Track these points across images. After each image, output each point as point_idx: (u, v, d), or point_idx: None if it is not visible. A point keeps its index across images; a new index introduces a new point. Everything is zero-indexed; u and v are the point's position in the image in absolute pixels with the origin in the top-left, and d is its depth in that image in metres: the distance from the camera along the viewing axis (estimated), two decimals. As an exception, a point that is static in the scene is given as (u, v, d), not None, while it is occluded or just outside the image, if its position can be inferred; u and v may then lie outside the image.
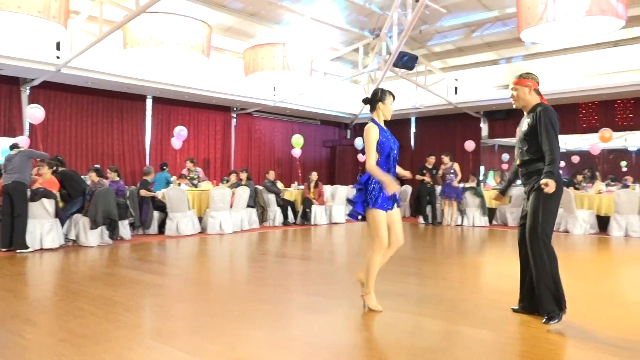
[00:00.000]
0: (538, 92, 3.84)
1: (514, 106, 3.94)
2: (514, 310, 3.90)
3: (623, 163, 20.82)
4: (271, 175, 11.07)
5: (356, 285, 4.21)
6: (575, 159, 17.41)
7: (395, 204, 3.92)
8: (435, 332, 3.43)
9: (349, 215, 4.01)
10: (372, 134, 3.76)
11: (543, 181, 3.47)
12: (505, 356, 3.00)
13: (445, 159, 11.12)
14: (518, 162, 3.84)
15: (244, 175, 10.41)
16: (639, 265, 6.54)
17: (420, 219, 11.70)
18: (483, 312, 4.00)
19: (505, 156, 15.71)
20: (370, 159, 3.74)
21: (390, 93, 3.96)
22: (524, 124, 3.83)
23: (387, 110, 3.92)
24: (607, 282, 5.35)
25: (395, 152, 3.89)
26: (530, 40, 8.83)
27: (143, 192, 8.78)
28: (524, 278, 3.84)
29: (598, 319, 3.74)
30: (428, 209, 11.58)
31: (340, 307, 4.13)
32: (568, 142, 18.63)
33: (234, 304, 4.19)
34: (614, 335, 3.35)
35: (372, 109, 3.94)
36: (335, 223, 11.39)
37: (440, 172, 11.23)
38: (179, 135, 11.07)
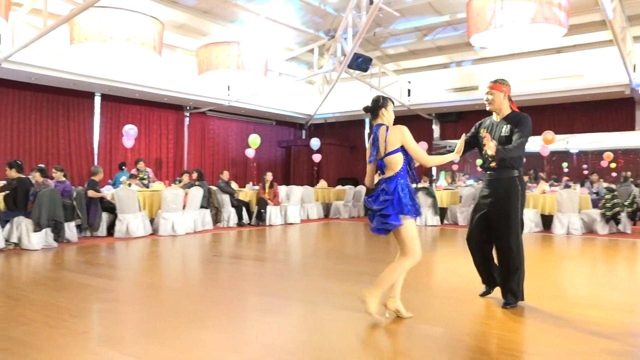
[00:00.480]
0: (510, 99, 4.06)
1: (487, 108, 4.12)
2: (482, 295, 4.26)
3: (565, 164, 21.84)
4: (225, 175, 10.93)
5: (311, 285, 4.21)
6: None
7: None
8: (388, 330, 3.48)
9: (377, 230, 3.64)
10: (408, 132, 3.58)
11: (493, 144, 3.71)
12: (456, 351, 3.08)
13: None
14: (494, 164, 3.99)
15: (195, 175, 10.21)
16: (580, 261, 6.88)
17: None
18: (435, 309, 4.10)
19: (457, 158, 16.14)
20: (423, 154, 3.63)
21: (390, 100, 3.85)
22: (501, 128, 4.00)
23: (390, 116, 3.78)
24: (551, 277, 5.59)
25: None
26: (479, 45, 9.13)
27: (91, 193, 8.47)
28: (477, 262, 4.20)
29: (546, 312, 3.91)
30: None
31: (295, 307, 4.12)
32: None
33: (186, 306, 4.11)
34: (558, 324, 3.50)
35: (375, 116, 3.76)
36: (291, 224, 11.37)
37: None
38: (128, 134, 10.74)
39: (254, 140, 12.93)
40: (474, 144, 4.21)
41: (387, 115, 3.75)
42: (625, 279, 5.88)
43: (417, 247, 3.56)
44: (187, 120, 13.58)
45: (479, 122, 4.27)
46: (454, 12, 10.36)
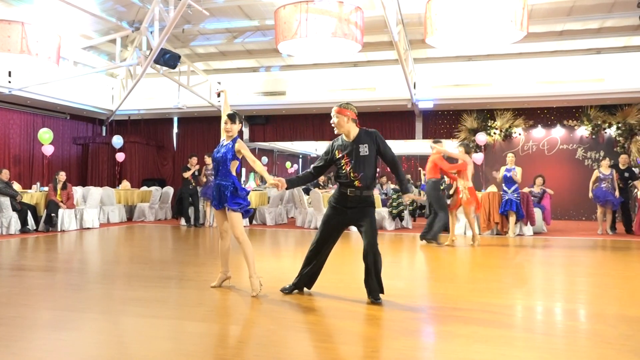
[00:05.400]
0: (355, 121, 4.32)
1: (335, 132, 4.36)
2: (285, 291, 4.54)
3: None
4: (5, 174, 9.45)
5: (111, 294, 3.89)
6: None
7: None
8: (194, 335, 3.40)
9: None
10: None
11: (409, 197, 4.47)
12: (254, 347, 3.17)
13: (208, 159, 11.15)
14: (358, 184, 4.21)
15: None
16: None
17: (182, 221, 11.51)
18: (241, 310, 4.16)
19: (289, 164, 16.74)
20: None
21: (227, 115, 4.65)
22: (359, 149, 4.23)
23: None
24: (347, 270, 6.11)
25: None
26: (286, 52, 9.55)
27: None
28: (310, 269, 4.50)
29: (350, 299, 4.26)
30: (190, 210, 11.44)
31: (91, 320, 3.77)
32: (318, 147, 20.72)
33: (-51, 331, 3.43)
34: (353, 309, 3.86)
35: None
36: (88, 228, 10.35)
37: (203, 172, 11.24)
38: None
39: (43, 135, 11.45)
40: (330, 162, 4.41)
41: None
42: (407, 269, 6.76)
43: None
44: (-47, 108, 11.38)
45: (332, 141, 4.45)
46: (263, 17, 10.65)
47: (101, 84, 13.76)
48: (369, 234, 4.21)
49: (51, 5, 9.43)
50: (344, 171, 4.24)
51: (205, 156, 11.14)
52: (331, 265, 4.84)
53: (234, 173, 4.59)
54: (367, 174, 4.22)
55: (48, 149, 11.92)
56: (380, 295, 4.24)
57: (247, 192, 4.69)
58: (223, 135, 4.69)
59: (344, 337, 3.41)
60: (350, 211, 4.29)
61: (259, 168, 4.59)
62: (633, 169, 10.51)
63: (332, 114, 4.35)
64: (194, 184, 11.32)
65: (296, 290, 4.57)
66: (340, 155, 4.25)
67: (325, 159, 4.41)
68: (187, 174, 11.23)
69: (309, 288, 4.61)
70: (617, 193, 9.83)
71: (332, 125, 4.36)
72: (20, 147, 12.86)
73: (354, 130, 4.30)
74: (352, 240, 8.60)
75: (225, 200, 4.52)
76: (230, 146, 4.54)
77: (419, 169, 15.23)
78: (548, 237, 9.61)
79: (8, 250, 7.52)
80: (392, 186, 13.69)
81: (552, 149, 13.18)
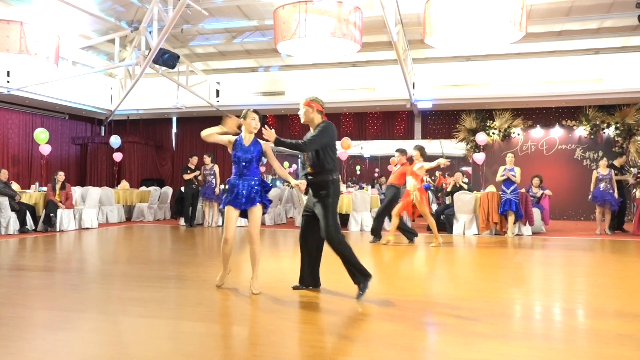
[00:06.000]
0: (321, 113, 4.56)
1: (302, 121, 4.63)
2: (295, 288, 4.64)
3: (358, 167, 24.15)
4: (3, 174, 9.44)
5: (109, 294, 3.87)
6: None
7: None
8: (193, 335, 3.40)
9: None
10: None
11: (270, 132, 4.32)
12: (253, 347, 3.17)
13: (207, 159, 11.14)
14: (310, 170, 4.48)
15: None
16: (373, 255, 7.69)
17: (181, 221, 11.51)
18: (240, 310, 4.16)
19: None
20: None
21: (253, 111, 4.56)
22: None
23: (247, 125, 4.54)
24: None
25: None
26: (285, 52, 9.55)
27: None
28: (304, 261, 4.62)
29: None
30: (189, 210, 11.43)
31: (89, 320, 3.77)
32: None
33: (-52, 331, 3.43)
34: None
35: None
36: (87, 228, 10.34)
37: (202, 173, 11.23)
38: None
39: (39, 135, 11.41)
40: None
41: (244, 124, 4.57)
42: (405, 268, 6.76)
43: (225, 231, 4.45)
44: (-48, 108, 11.38)
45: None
46: (262, 18, 10.64)
47: (100, 84, 13.75)
48: (321, 221, 4.40)
49: (50, 5, 9.42)
50: (304, 158, 4.59)
51: (205, 156, 11.13)
52: (330, 265, 4.84)
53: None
54: (315, 161, 4.43)
55: (45, 149, 11.89)
56: (362, 288, 4.34)
57: (270, 188, 4.71)
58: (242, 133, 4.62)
59: (343, 337, 3.41)
60: (311, 197, 4.53)
61: (280, 169, 4.68)
62: (632, 168, 10.54)
63: (300, 107, 4.61)
64: (196, 183, 11.29)
65: (303, 287, 4.67)
66: (267, 129, 4.48)
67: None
68: (187, 177, 11.20)
69: (317, 286, 4.67)
70: (616, 194, 9.85)
71: (300, 116, 4.61)
72: (19, 147, 12.85)
73: (317, 120, 4.55)
74: (352, 240, 8.60)
75: (257, 196, 4.50)
76: (259, 146, 4.59)
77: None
78: (547, 237, 9.62)
79: (7, 250, 7.51)
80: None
81: (551, 149, 13.20)
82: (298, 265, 4.69)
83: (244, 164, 4.52)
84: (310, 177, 4.45)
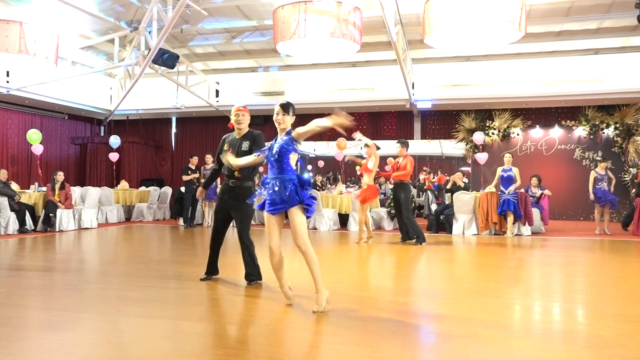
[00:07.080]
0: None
1: (236, 127, 4.96)
2: (202, 279, 5.06)
3: (357, 167, 24.12)
4: (3, 174, 9.43)
5: (109, 295, 3.87)
6: (321, 163, 19.46)
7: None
8: (192, 335, 3.40)
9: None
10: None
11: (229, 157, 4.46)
12: (252, 347, 3.17)
13: (209, 159, 11.13)
14: (237, 174, 4.77)
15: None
16: (372, 255, 7.70)
17: (181, 221, 11.50)
18: (239, 310, 4.15)
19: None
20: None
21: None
22: (241, 144, 4.87)
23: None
24: (347, 269, 6.13)
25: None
26: (285, 53, 9.55)
27: None
28: (213, 255, 5.12)
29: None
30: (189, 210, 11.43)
31: (88, 320, 3.77)
32: (317, 147, 20.74)
33: (-53, 331, 3.43)
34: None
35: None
36: (86, 228, 10.33)
37: (202, 173, 11.23)
38: None
39: (32, 135, 11.33)
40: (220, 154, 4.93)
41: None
42: (404, 268, 6.76)
43: (268, 239, 4.07)
44: (-49, 108, 11.35)
45: (224, 137, 5.09)
46: (262, 18, 10.63)
47: (99, 84, 13.74)
48: (239, 225, 4.84)
49: (49, 5, 9.41)
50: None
51: (207, 155, 11.11)
52: (328, 266, 4.84)
53: (293, 167, 4.00)
54: (245, 168, 4.64)
55: (38, 149, 11.73)
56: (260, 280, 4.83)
57: (311, 187, 4.14)
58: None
59: (342, 337, 3.41)
60: (232, 201, 4.82)
61: (315, 124, 3.93)
62: (631, 168, 10.54)
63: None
64: (197, 184, 11.26)
65: (207, 276, 5.12)
66: (227, 148, 4.78)
67: (218, 151, 4.99)
68: (187, 178, 11.19)
69: (215, 274, 5.18)
70: (612, 189, 9.95)
71: (236, 123, 4.93)
72: (18, 147, 12.84)
73: (245, 128, 4.94)
74: (352, 240, 8.60)
75: (295, 196, 3.83)
76: (287, 138, 3.98)
77: (424, 169, 15.19)
78: (546, 237, 9.62)
79: (6, 250, 7.51)
80: (391, 186, 13.70)
81: (550, 149, 13.20)
82: (297, 266, 4.69)
83: (273, 161, 3.99)
84: (237, 182, 4.77)
